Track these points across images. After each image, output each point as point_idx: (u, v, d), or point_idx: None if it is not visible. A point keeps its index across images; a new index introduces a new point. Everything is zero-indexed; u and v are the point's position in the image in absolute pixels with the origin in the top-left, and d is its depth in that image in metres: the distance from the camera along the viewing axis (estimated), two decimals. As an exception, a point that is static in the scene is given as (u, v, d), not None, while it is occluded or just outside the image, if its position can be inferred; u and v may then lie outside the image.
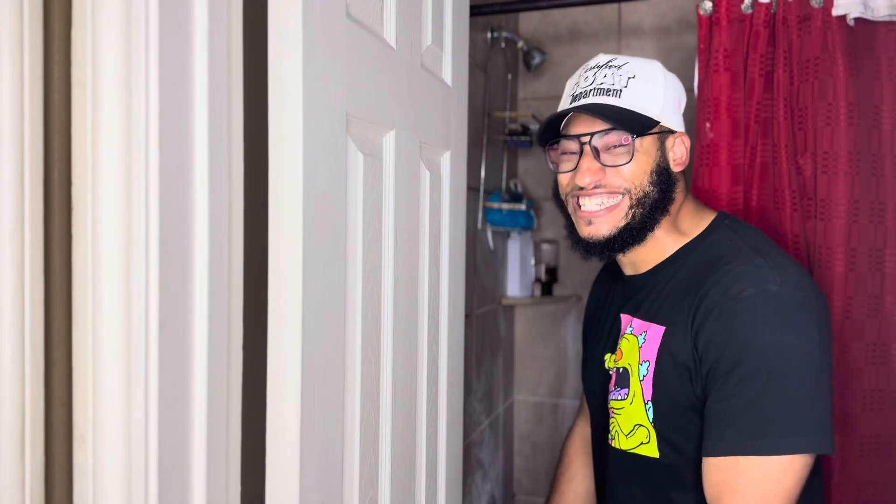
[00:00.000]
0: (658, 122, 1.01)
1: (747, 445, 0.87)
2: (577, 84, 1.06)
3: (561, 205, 1.08)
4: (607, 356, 1.10)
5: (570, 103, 1.05)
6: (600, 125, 0.99)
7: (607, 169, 0.99)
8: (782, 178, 1.36)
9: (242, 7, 0.71)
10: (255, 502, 0.74)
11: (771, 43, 1.37)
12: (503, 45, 2.10)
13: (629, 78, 1.01)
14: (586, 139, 1.00)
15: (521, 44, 2.12)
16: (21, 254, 0.59)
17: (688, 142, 1.05)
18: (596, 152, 1.00)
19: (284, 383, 0.69)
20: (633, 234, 1.01)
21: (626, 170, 0.99)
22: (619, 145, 0.99)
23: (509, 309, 2.29)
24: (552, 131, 1.05)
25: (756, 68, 1.38)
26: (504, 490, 2.26)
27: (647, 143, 1.00)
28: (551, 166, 1.08)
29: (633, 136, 0.98)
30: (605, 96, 1.01)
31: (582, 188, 1.00)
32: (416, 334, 1.00)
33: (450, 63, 1.11)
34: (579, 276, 2.29)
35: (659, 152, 1.02)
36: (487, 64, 1.99)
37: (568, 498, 1.29)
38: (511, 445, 2.36)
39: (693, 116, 1.43)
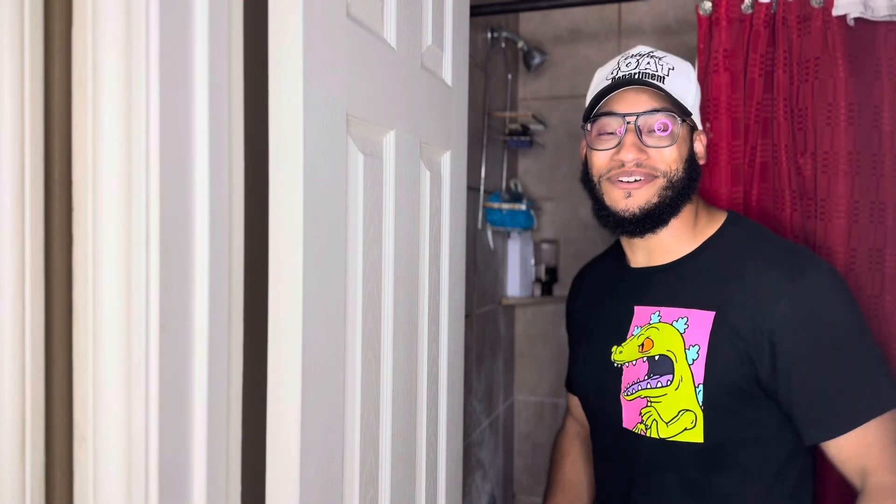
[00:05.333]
0: (691, 114, 1.05)
1: (876, 406, 0.95)
2: (617, 69, 1.07)
3: (590, 187, 1.09)
4: (614, 349, 1.10)
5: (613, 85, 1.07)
6: (646, 106, 1.02)
7: (649, 150, 1.02)
8: (782, 178, 1.36)
9: (243, 7, 0.71)
10: (255, 502, 0.74)
11: (771, 43, 1.37)
12: (503, 45, 2.10)
13: (670, 69, 1.05)
14: (632, 118, 1.02)
15: (521, 44, 2.12)
16: (21, 254, 0.59)
17: (705, 140, 1.10)
18: (639, 132, 1.02)
19: (284, 383, 0.69)
20: (661, 213, 1.03)
21: (668, 153, 1.02)
22: (662, 130, 1.02)
23: (509, 309, 2.29)
24: (590, 110, 1.07)
25: (756, 68, 1.38)
26: (504, 490, 2.26)
27: (683, 132, 1.05)
28: (584, 149, 1.09)
29: (679, 120, 1.03)
30: (650, 80, 1.03)
31: (623, 164, 1.02)
32: (416, 334, 1.00)
33: (450, 63, 1.11)
34: (579, 276, 2.29)
35: (689, 142, 1.07)
36: (487, 64, 1.99)
37: (570, 479, 1.30)
38: (511, 445, 2.36)
39: (693, 116, 1.43)
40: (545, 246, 2.26)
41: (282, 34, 0.67)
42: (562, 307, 2.31)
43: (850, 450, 0.96)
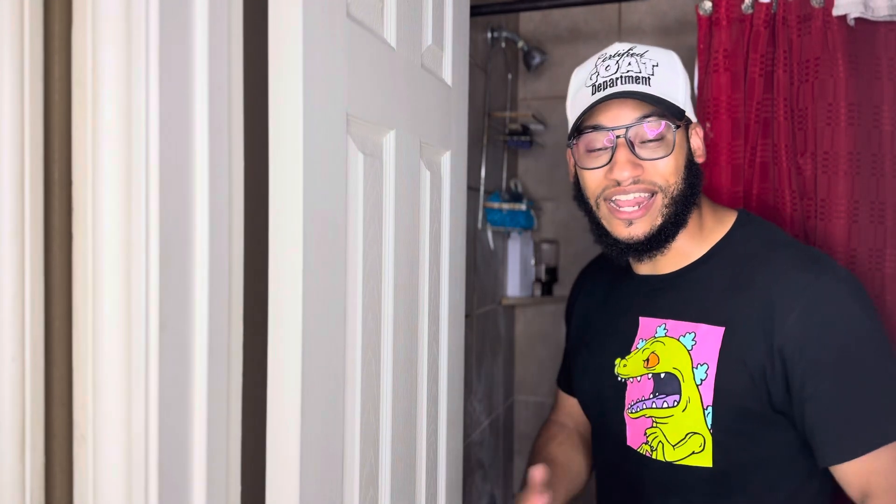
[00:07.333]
0: (684, 112, 0.97)
1: (892, 431, 0.87)
2: (595, 74, 0.99)
3: (586, 208, 1.02)
4: (618, 361, 1.05)
5: (593, 94, 0.97)
6: (634, 115, 0.94)
7: (644, 163, 0.94)
8: (782, 178, 1.36)
9: (242, 7, 0.71)
10: (255, 502, 0.74)
11: (771, 43, 1.37)
12: (503, 45, 2.10)
13: (654, 66, 0.96)
14: (621, 131, 0.94)
15: (521, 44, 2.12)
16: (21, 254, 0.59)
17: (702, 132, 1.01)
18: (631, 145, 0.94)
19: (284, 383, 0.69)
20: (667, 231, 0.97)
21: (663, 165, 0.94)
22: (655, 139, 0.94)
23: (509, 309, 2.29)
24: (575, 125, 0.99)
25: (756, 68, 1.38)
26: (504, 490, 2.26)
27: (679, 137, 0.96)
28: (572, 165, 1.02)
29: (674, 126, 0.94)
30: (634, 84, 0.94)
31: (619, 183, 0.94)
32: (416, 334, 1.00)
33: (450, 63, 1.11)
34: (579, 276, 2.29)
35: (687, 144, 0.99)
36: (487, 64, 1.99)
37: (555, 458, 1.13)
38: (511, 445, 2.36)
39: (693, 116, 1.43)
40: (545, 246, 2.26)
41: (282, 34, 0.67)
42: (562, 307, 2.31)
43: (857, 472, 0.89)
